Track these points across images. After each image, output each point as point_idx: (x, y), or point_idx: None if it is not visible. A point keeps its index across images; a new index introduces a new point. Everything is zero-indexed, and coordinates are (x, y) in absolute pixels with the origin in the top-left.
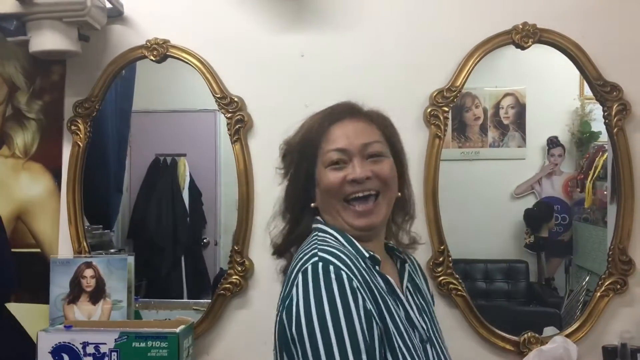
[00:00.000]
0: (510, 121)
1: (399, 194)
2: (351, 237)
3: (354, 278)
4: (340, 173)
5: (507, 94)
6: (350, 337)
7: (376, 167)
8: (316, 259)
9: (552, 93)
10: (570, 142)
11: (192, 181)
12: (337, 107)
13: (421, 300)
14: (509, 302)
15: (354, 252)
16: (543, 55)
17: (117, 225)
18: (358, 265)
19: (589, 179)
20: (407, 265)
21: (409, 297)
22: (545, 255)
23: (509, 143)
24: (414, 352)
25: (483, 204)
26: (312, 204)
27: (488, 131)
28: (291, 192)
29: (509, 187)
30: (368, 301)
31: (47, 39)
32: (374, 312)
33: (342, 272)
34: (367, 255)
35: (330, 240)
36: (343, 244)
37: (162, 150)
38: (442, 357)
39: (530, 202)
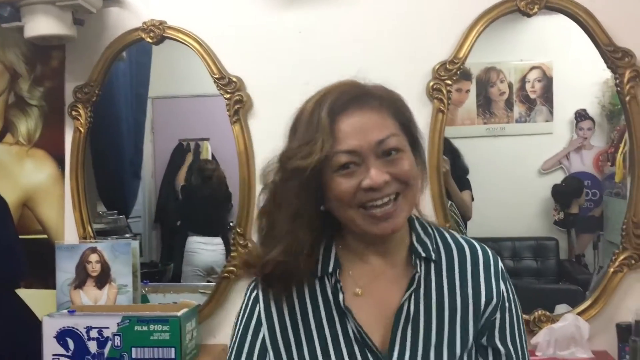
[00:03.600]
0: (537, 95)
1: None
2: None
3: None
4: (353, 180)
5: (533, 67)
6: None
7: (394, 169)
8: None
9: (580, 64)
10: (601, 115)
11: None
12: (340, 93)
13: (441, 315)
14: (538, 280)
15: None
16: (569, 25)
17: (144, 210)
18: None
19: (620, 152)
20: (420, 276)
21: (408, 312)
22: (575, 232)
23: (536, 118)
24: None
25: (510, 181)
26: (322, 208)
27: (514, 106)
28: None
29: (536, 163)
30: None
31: (41, 24)
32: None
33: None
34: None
35: None
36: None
37: (185, 135)
38: None
39: (558, 177)
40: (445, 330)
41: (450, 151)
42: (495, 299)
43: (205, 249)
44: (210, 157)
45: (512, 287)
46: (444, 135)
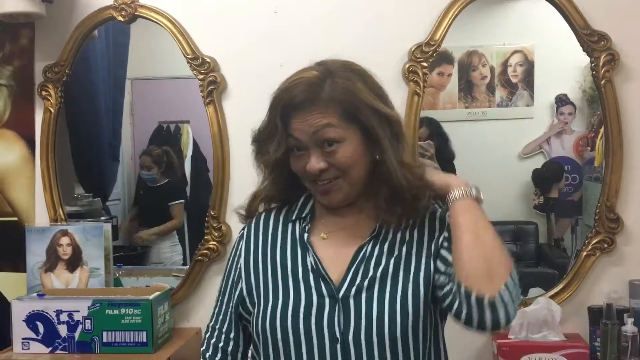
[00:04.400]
0: (519, 79)
1: (377, 157)
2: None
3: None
4: (301, 162)
5: (515, 51)
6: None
7: (332, 158)
8: None
9: (561, 49)
10: (582, 100)
11: (196, 148)
12: (295, 93)
13: (399, 259)
14: (517, 264)
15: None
16: (551, 8)
17: (123, 193)
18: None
19: (599, 136)
20: (382, 225)
21: (365, 253)
22: (554, 216)
23: (517, 102)
24: (280, 289)
25: (490, 165)
26: None
27: (495, 90)
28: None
29: (516, 147)
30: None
31: (7, 1)
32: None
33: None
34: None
35: None
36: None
37: (165, 117)
38: (351, 317)
39: (539, 162)
40: (400, 269)
41: (439, 135)
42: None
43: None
44: (190, 140)
45: None
46: (434, 119)
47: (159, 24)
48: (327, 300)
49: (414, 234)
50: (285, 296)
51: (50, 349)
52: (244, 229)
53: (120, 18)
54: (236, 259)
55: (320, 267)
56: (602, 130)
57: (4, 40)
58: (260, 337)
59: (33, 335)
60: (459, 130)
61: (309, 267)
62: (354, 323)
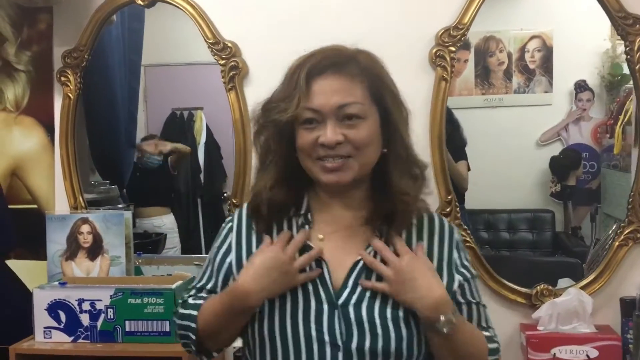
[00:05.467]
0: (537, 65)
1: (385, 150)
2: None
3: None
4: (313, 134)
5: (533, 37)
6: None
7: (351, 132)
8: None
9: (580, 34)
10: (600, 86)
11: (209, 135)
12: (322, 57)
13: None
14: (534, 252)
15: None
16: None
17: None
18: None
19: (619, 123)
20: (381, 233)
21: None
22: (572, 204)
23: (535, 88)
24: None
25: (507, 152)
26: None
27: (513, 76)
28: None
29: (534, 134)
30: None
31: None
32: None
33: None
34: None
35: None
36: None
37: (179, 104)
38: (353, 325)
39: (556, 149)
40: None
41: (450, 122)
42: (458, 266)
43: None
44: (204, 127)
45: (466, 254)
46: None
47: (180, 8)
48: (325, 307)
49: (412, 243)
50: (282, 299)
51: (72, 337)
52: (231, 221)
53: (140, 2)
54: (222, 253)
55: (325, 274)
56: (621, 117)
57: (22, 26)
58: (257, 340)
59: (55, 324)
60: (476, 117)
61: (307, 270)
62: (357, 333)
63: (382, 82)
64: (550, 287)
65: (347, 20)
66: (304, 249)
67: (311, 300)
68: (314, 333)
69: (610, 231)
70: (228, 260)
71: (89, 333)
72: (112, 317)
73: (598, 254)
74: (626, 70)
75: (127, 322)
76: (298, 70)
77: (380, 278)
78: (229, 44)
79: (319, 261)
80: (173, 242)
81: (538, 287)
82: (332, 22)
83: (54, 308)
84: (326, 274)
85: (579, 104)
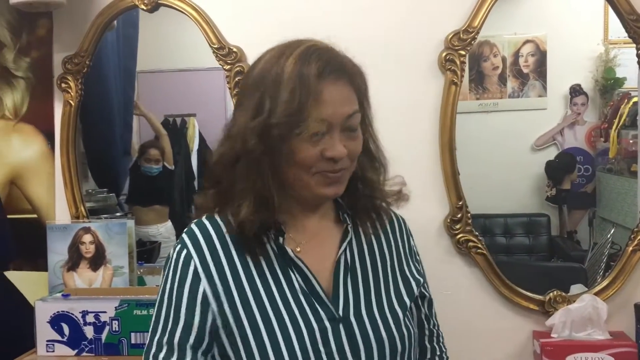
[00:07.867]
0: (531, 70)
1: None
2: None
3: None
4: (317, 148)
5: (527, 41)
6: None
7: (351, 144)
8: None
9: (574, 38)
10: (594, 90)
11: (202, 141)
12: (329, 58)
13: (375, 267)
14: (530, 256)
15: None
16: None
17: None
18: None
19: (614, 127)
20: (350, 228)
21: (346, 263)
22: (567, 208)
23: (529, 93)
24: (276, 325)
25: (502, 157)
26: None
27: (507, 81)
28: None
29: (529, 138)
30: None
31: None
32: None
33: (183, 251)
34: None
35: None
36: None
37: (171, 110)
38: (358, 338)
39: (551, 153)
40: (380, 278)
41: None
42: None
43: None
44: (197, 133)
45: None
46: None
47: (184, 12)
48: (327, 324)
49: (381, 239)
50: (282, 326)
51: (76, 351)
52: (184, 247)
53: (142, 7)
54: (189, 284)
55: (317, 287)
56: (615, 121)
57: (21, 31)
58: None
59: (58, 337)
60: (470, 122)
61: (297, 287)
62: (363, 347)
63: (365, 85)
64: (563, 294)
65: (355, 25)
66: (284, 258)
67: (312, 321)
68: (324, 357)
69: (609, 235)
70: (201, 289)
71: (93, 346)
72: (117, 329)
73: (597, 258)
74: (619, 74)
75: (132, 334)
76: (298, 79)
77: (363, 273)
78: (234, 49)
79: (303, 272)
80: (168, 250)
81: (551, 294)
82: (339, 27)
83: (56, 321)
84: (316, 286)
85: (573, 108)
